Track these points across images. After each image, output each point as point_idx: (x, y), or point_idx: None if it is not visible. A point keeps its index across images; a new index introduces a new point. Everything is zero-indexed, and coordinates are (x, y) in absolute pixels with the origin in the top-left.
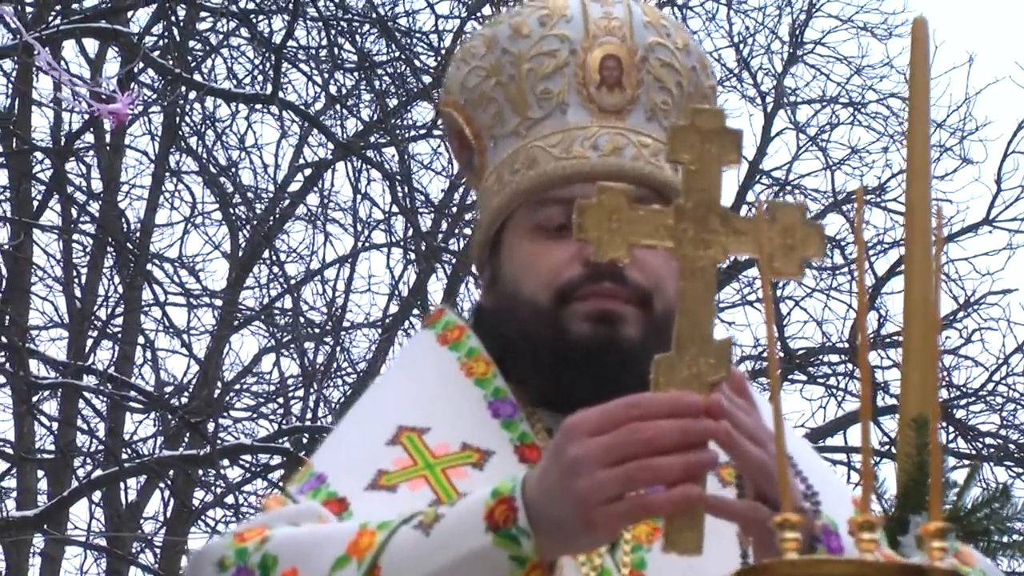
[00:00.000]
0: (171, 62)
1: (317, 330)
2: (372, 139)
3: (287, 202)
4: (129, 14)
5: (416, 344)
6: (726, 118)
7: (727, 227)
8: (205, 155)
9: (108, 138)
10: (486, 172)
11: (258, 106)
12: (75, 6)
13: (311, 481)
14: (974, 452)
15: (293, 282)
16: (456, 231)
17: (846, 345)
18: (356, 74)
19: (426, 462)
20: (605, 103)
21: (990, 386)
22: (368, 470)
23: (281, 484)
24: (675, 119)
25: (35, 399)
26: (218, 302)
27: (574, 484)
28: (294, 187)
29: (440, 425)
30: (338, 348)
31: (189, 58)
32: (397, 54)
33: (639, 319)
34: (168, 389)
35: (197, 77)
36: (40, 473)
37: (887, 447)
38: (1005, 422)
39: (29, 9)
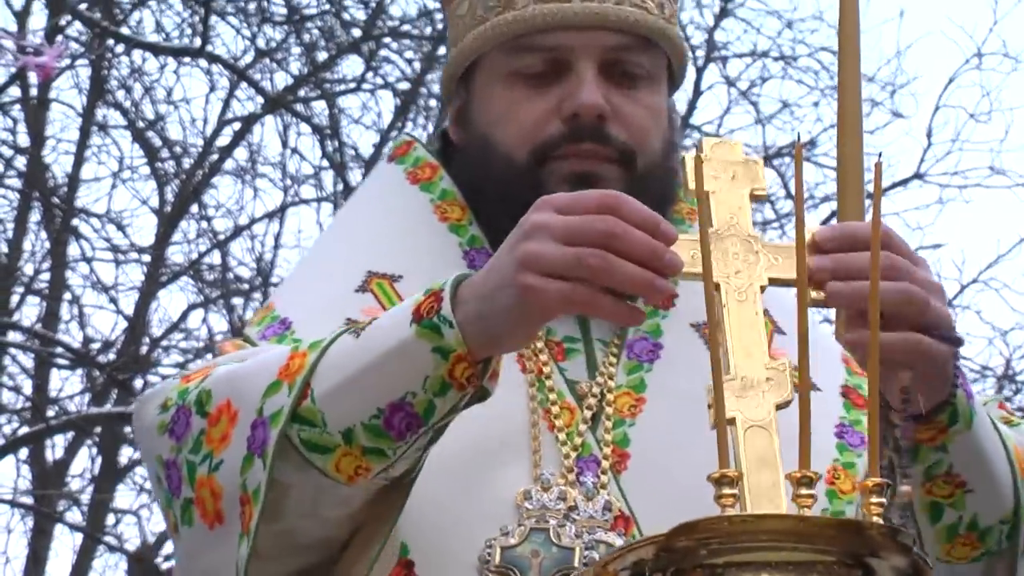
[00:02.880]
0: (98, 15)
1: (246, 286)
2: (301, 93)
3: (215, 156)
4: None
5: (383, 180)
6: (743, 148)
7: (757, 251)
8: (132, 109)
9: (34, 92)
10: None
11: (186, 59)
12: None
13: (274, 326)
14: None
15: (221, 237)
16: None
17: None
18: (285, 27)
19: None
20: None
21: None
22: (336, 319)
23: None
24: None
25: None
26: (146, 257)
27: (521, 245)
28: (222, 141)
29: (413, 273)
30: None
31: (116, 11)
32: (326, 7)
33: (621, 179)
34: (95, 345)
35: (124, 30)
36: None
37: None
38: None
39: None
